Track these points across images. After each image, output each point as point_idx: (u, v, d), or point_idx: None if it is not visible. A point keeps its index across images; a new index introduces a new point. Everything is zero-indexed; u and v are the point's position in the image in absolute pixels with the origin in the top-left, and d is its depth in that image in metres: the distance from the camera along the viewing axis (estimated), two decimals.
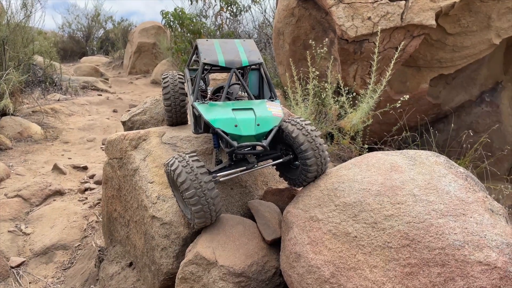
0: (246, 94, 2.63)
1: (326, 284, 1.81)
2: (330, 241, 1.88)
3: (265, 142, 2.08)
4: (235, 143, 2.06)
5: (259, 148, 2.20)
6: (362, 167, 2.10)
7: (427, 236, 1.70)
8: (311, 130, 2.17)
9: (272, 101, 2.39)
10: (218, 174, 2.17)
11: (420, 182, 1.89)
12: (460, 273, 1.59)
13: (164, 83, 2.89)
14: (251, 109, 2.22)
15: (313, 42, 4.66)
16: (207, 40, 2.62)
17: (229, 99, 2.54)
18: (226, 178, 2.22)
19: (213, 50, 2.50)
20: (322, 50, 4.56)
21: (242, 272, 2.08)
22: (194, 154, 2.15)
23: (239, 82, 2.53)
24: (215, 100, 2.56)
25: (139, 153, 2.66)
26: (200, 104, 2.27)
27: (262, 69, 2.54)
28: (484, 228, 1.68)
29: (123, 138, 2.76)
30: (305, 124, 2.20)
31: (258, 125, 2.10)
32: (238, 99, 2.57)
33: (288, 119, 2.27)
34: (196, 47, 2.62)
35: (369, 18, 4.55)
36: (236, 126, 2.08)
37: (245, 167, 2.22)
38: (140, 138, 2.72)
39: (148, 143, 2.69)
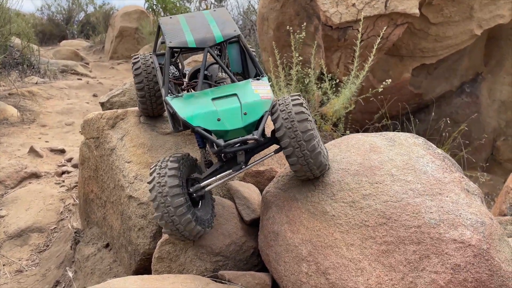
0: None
1: (303, 262, 1.81)
2: (308, 220, 1.87)
3: (256, 134, 1.78)
4: (221, 142, 1.75)
5: (251, 141, 1.84)
6: (341, 148, 2.09)
7: (404, 214, 1.71)
8: (296, 113, 1.78)
9: (258, 79, 2.03)
10: (201, 184, 1.90)
11: (398, 163, 1.90)
12: (435, 250, 1.61)
13: (135, 68, 2.44)
14: (235, 94, 1.90)
15: (303, 26, 4.61)
16: (171, 18, 2.24)
17: (209, 85, 2.19)
18: (213, 186, 1.93)
19: (179, 29, 2.13)
20: (300, 36, 4.51)
21: (220, 252, 2.06)
22: (176, 165, 1.83)
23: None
24: (194, 87, 2.24)
25: (116, 132, 2.60)
26: (174, 99, 1.92)
27: (241, 42, 2.17)
28: (460, 207, 1.70)
29: (100, 117, 2.69)
30: (291, 100, 1.84)
31: (245, 114, 1.81)
32: (218, 83, 2.26)
33: (279, 99, 1.92)
34: (160, 28, 2.23)
35: (353, 4, 4.54)
36: (219, 120, 1.79)
37: (231, 170, 1.90)
38: (117, 117, 2.66)
39: (126, 122, 2.63)
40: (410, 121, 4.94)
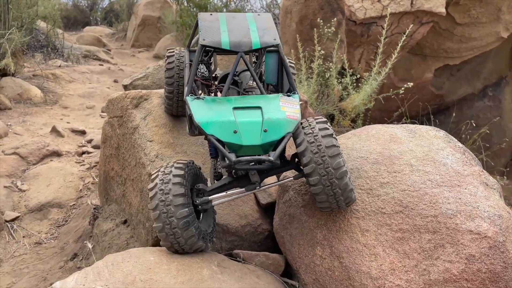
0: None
1: (317, 245, 1.84)
2: None
3: (272, 155, 1.61)
4: (232, 156, 1.59)
5: (266, 162, 1.65)
6: (361, 137, 2.11)
7: (421, 204, 1.72)
8: (327, 147, 1.64)
9: (289, 96, 1.86)
10: (209, 198, 1.79)
11: (418, 153, 1.90)
12: (450, 240, 1.62)
13: (168, 62, 2.33)
14: (259, 108, 1.74)
15: (321, 21, 4.62)
16: (211, 14, 2.09)
17: (237, 92, 2.07)
18: (221, 201, 1.82)
19: (216, 27, 1.98)
20: (329, 30, 4.52)
21: (235, 232, 2.11)
22: (181, 173, 1.73)
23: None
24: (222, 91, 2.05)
25: (139, 111, 2.66)
26: (194, 100, 1.78)
27: (279, 53, 2.00)
28: (478, 199, 1.70)
29: (125, 97, 2.75)
30: (319, 129, 1.69)
31: (265, 131, 1.64)
32: (247, 91, 2.11)
33: (304, 120, 1.78)
34: (197, 24, 2.11)
35: (378, 0, 4.51)
36: (235, 132, 1.63)
37: (244, 189, 1.77)
38: (141, 97, 2.72)
39: (149, 102, 2.69)
40: (430, 122, 4.89)
